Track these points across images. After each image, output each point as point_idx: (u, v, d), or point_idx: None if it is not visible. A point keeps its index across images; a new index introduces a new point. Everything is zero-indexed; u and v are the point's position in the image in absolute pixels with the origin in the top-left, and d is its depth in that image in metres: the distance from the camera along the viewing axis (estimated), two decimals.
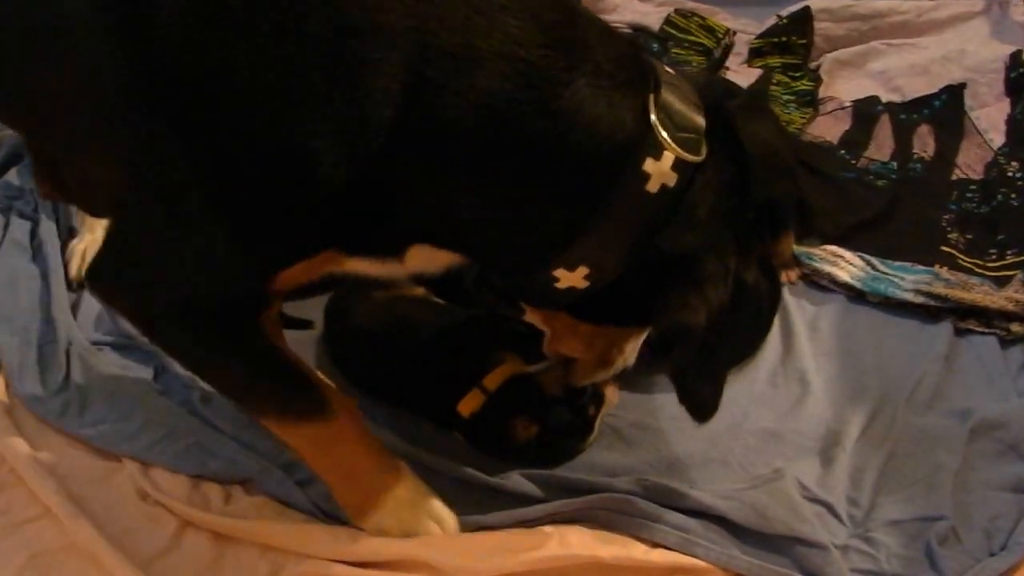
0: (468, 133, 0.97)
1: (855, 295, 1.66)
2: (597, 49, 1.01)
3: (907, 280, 1.64)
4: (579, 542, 1.21)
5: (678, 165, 1.01)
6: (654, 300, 1.07)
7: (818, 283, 1.70)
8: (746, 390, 1.49)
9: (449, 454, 1.37)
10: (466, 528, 1.25)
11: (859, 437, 1.41)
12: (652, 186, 1.00)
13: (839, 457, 1.36)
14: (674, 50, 2.25)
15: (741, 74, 2.21)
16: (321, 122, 0.93)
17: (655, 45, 2.27)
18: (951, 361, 1.54)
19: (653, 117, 1.01)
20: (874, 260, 1.69)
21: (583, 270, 1.05)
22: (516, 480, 1.31)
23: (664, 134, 1.00)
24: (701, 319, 1.04)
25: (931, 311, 1.61)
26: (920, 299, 1.61)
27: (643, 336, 1.26)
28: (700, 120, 1.04)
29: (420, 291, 1.52)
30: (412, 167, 0.99)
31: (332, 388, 1.18)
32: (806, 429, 1.43)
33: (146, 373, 1.48)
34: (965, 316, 1.60)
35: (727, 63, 2.25)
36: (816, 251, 1.72)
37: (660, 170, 1.00)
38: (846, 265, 1.69)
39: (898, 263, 1.69)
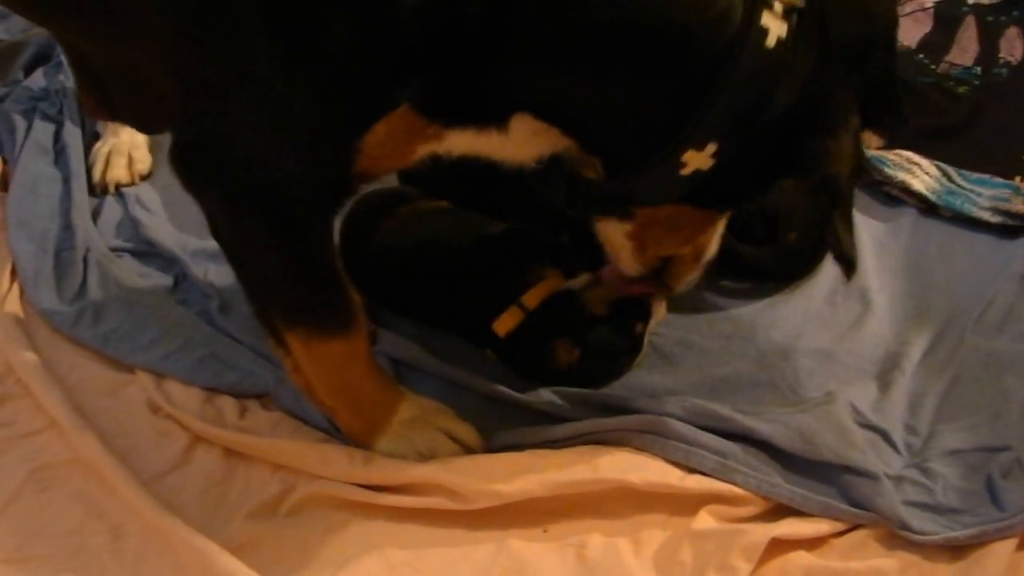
0: None
1: (927, 208, 1.56)
2: None
3: (984, 196, 1.53)
4: (609, 465, 1.16)
5: (787, 11, 0.97)
6: (791, 158, 1.05)
7: (888, 194, 1.59)
8: (801, 308, 1.42)
9: (477, 369, 1.32)
10: (490, 448, 1.21)
11: (921, 360, 1.32)
12: (771, 41, 0.96)
13: (898, 381, 1.28)
14: None
15: None
16: None
17: None
18: None
19: None
20: (951, 171, 1.58)
21: (712, 147, 1.01)
22: (547, 397, 1.27)
23: None
24: (845, 166, 1.04)
25: (1008, 229, 1.50)
26: (997, 218, 1.50)
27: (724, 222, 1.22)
28: None
29: (444, 204, 1.45)
30: (508, 21, 0.94)
31: (358, 303, 1.14)
32: (864, 351, 1.34)
33: (165, 281, 1.46)
34: None
35: None
36: (890, 156, 1.61)
37: (775, 21, 0.96)
38: (921, 174, 1.58)
39: (976, 176, 1.57)
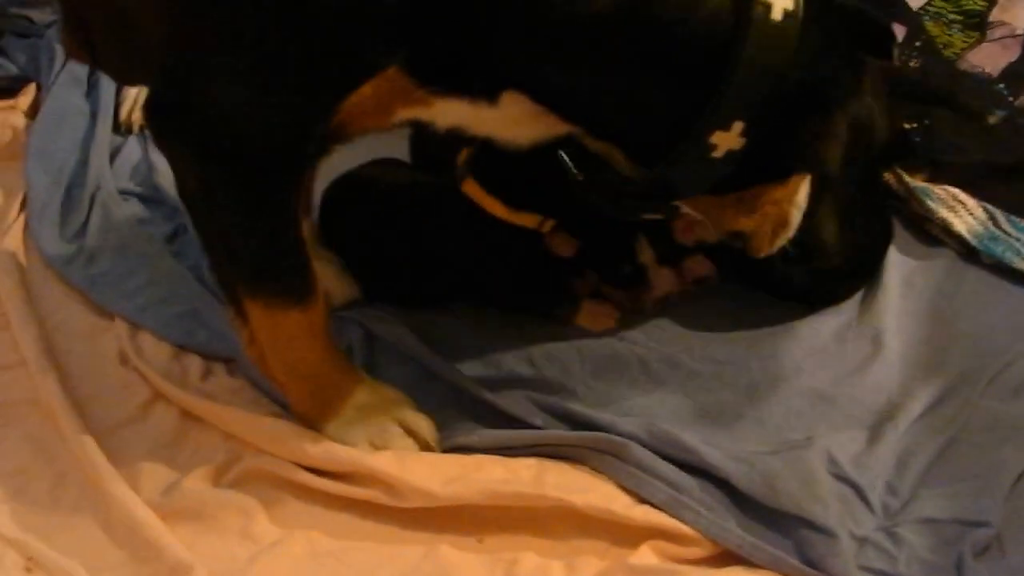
0: None
1: (966, 253, 1.45)
2: None
3: None
4: (555, 482, 1.11)
5: None
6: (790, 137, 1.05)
7: (929, 232, 1.49)
8: (807, 341, 1.33)
9: (455, 360, 1.28)
10: (444, 444, 1.18)
11: (921, 415, 1.23)
12: (776, 14, 0.97)
13: (888, 435, 1.19)
14: None
15: None
16: None
17: None
18: None
19: None
20: (999, 215, 1.47)
21: (739, 126, 1.01)
22: (517, 401, 1.22)
23: None
24: (835, 149, 1.04)
25: None
26: None
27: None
28: None
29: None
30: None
31: (318, 276, 1.12)
32: (863, 396, 1.26)
33: (164, 230, 1.45)
34: None
35: None
36: (936, 190, 1.50)
37: None
38: (965, 214, 1.47)
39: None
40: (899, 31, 1.80)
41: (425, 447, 1.16)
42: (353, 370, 1.20)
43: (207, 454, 1.18)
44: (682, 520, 1.08)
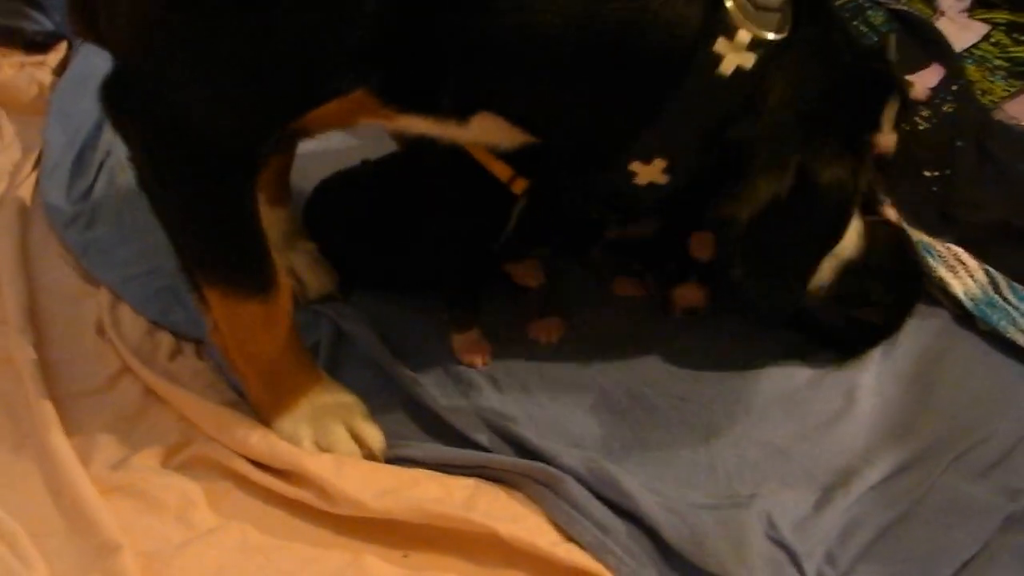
0: None
1: (962, 316, 1.39)
2: None
3: None
4: (486, 508, 1.11)
5: (755, 44, 0.96)
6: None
7: (925, 289, 1.42)
8: (778, 386, 1.30)
9: (419, 367, 1.28)
10: (389, 454, 1.18)
11: (877, 483, 1.18)
12: (726, 68, 0.96)
13: (838, 501, 1.15)
14: None
15: (955, 24, 1.86)
16: None
17: None
18: None
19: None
20: (1000, 281, 1.40)
21: (660, 162, 1.02)
22: (468, 418, 1.22)
23: (737, 13, 0.95)
24: (743, 213, 1.03)
25: None
26: None
27: None
28: None
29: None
30: (465, 26, 0.94)
31: (280, 269, 1.11)
32: (822, 455, 1.22)
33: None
34: None
35: (943, 4, 1.90)
36: (938, 247, 1.44)
37: (736, 48, 0.96)
38: (965, 275, 1.41)
39: None
40: (937, 72, 1.74)
41: (369, 455, 1.17)
42: (313, 368, 1.20)
43: (162, 433, 1.20)
44: (604, 564, 1.06)
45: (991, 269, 1.42)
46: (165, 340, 1.28)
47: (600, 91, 1.00)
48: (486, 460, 1.16)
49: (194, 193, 1.03)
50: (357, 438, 1.17)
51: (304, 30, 0.91)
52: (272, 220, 1.34)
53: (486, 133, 1.06)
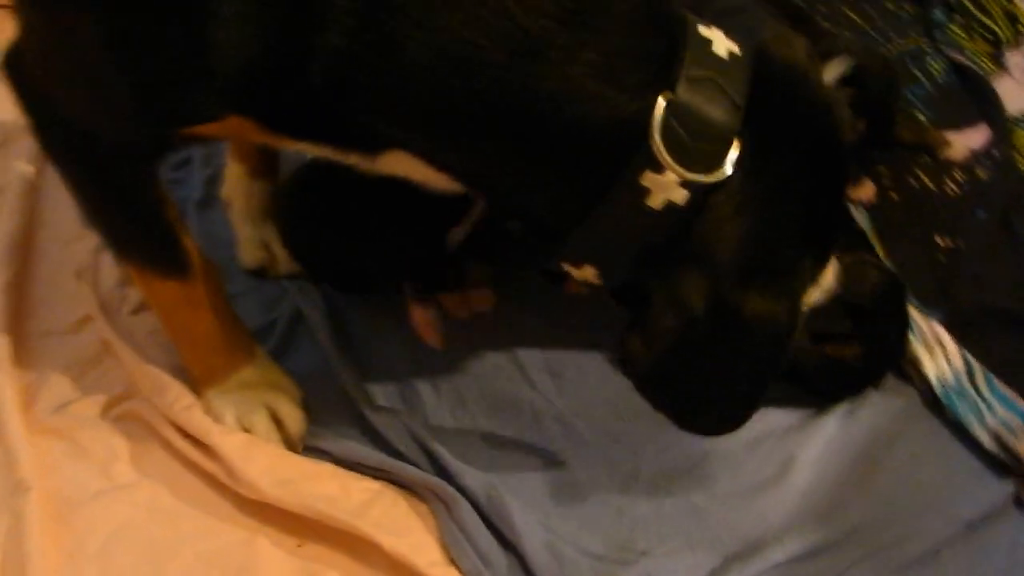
0: (426, 71, 0.84)
1: (930, 398, 1.32)
2: (613, 31, 0.87)
3: (997, 416, 1.28)
4: (377, 517, 1.12)
5: (687, 184, 0.87)
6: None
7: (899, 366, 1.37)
8: (716, 444, 1.25)
9: (364, 361, 1.30)
10: (308, 442, 1.21)
11: (783, 563, 1.14)
12: (654, 202, 0.88)
13: (732, 574, 1.14)
14: (952, 26, 1.82)
15: (1019, 84, 1.75)
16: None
17: (938, 12, 1.85)
18: (980, 535, 1.19)
19: (655, 129, 0.86)
20: (978, 371, 1.32)
21: (591, 270, 0.96)
22: (393, 424, 1.22)
23: (663, 152, 0.86)
24: (638, 349, 0.97)
25: (999, 464, 1.26)
26: (993, 447, 1.25)
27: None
28: (729, 122, 0.88)
29: None
30: (361, 77, 0.86)
31: (197, 254, 1.12)
32: (740, 522, 1.18)
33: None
34: None
35: (1009, 63, 1.79)
36: (919, 321, 1.37)
37: (664, 186, 0.87)
38: (941, 358, 1.34)
39: (1006, 391, 1.31)
40: (984, 134, 1.65)
41: (288, 441, 1.19)
42: (247, 346, 1.22)
43: (108, 384, 1.24)
44: None
45: (971, 357, 1.34)
46: (133, 295, 1.31)
47: (519, 164, 0.91)
48: (392, 467, 1.17)
49: (85, 179, 1.02)
50: (279, 422, 1.19)
51: (160, 62, 0.85)
52: (252, 191, 1.37)
53: (404, 170, 0.98)
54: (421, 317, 1.30)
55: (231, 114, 0.91)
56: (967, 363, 1.33)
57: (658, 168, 0.87)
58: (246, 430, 1.18)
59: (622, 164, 0.87)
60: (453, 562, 1.10)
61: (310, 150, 0.99)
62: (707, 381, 1.00)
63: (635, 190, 0.88)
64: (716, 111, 0.88)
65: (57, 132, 0.99)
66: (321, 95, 0.87)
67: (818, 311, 1.15)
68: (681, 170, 0.87)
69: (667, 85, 0.87)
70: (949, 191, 1.59)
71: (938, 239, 1.50)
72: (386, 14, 0.82)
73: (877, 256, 1.42)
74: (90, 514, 1.12)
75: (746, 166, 0.90)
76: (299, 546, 1.13)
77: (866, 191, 1.55)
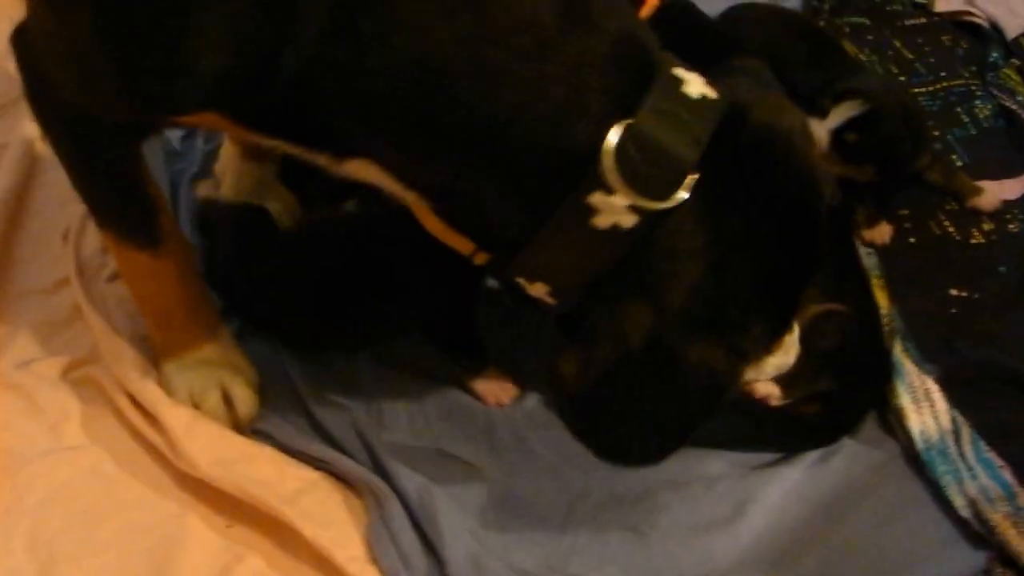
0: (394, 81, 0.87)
1: (910, 454, 1.27)
2: (584, 67, 0.89)
3: (978, 481, 1.21)
4: (307, 506, 1.13)
5: (635, 208, 0.90)
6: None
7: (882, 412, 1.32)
8: (674, 473, 1.22)
9: (323, 360, 1.31)
10: (255, 425, 1.22)
11: None
12: (601, 222, 0.90)
13: None
14: (1008, 70, 1.76)
15: None
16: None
17: (995, 53, 1.79)
18: None
19: (607, 151, 0.88)
20: (965, 433, 1.26)
21: (542, 287, 0.98)
22: (339, 417, 1.23)
23: (613, 173, 0.88)
24: (570, 373, 0.97)
25: (968, 532, 1.19)
26: (967, 513, 1.19)
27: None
28: (686, 154, 0.90)
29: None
30: (329, 85, 0.89)
31: (172, 230, 1.15)
32: (681, 559, 1.15)
33: (173, 134, 1.54)
34: (1007, 564, 1.17)
35: None
36: (909, 369, 1.32)
37: (611, 207, 0.90)
38: (928, 414, 1.28)
39: (992, 456, 1.25)
40: (1020, 185, 1.59)
41: (236, 423, 1.21)
42: (211, 324, 1.24)
43: (74, 347, 1.28)
44: None
45: (960, 418, 1.28)
46: (111, 262, 1.34)
47: (479, 178, 0.93)
48: (331, 458, 1.18)
49: (70, 150, 1.07)
50: (231, 402, 1.21)
51: (142, 58, 0.88)
52: (243, 171, 1.39)
53: (369, 177, 0.99)
54: (484, 387, 1.30)
55: (207, 110, 0.94)
56: (955, 423, 1.28)
57: (608, 189, 0.89)
58: (197, 406, 1.21)
59: (576, 184, 0.90)
60: (375, 560, 1.09)
61: (282, 148, 1.02)
62: (632, 416, 1.01)
63: (583, 209, 0.90)
64: (674, 141, 0.90)
65: (49, 105, 1.04)
66: (291, 98, 0.90)
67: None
68: (631, 193, 0.89)
69: (629, 114, 0.89)
70: (974, 241, 1.53)
71: (953, 290, 1.46)
72: (355, 30, 0.85)
73: (855, 302, 1.37)
74: (34, 471, 1.16)
75: (699, 204, 0.91)
76: (228, 527, 1.14)
77: (880, 233, 1.51)
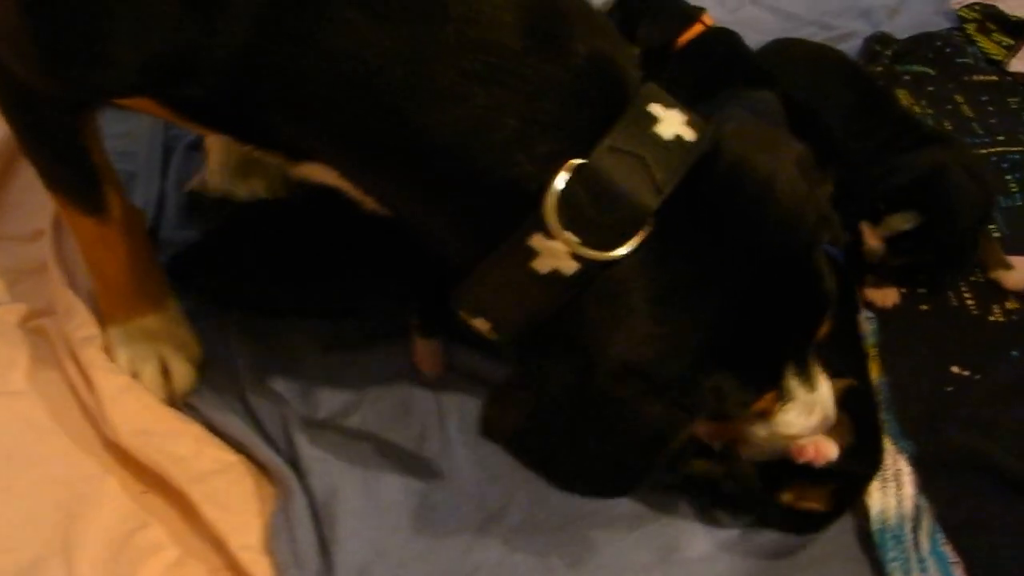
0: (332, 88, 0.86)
1: (864, 533, 1.21)
2: (542, 96, 0.85)
3: (923, 575, 1.15)
4: (216, 488, 1.15)
5: (578, 256, 0.86)
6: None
7: None
8: (595, 509, 1.19)
9: (271, 348, 1.32)
10: (188, 399, 1.24)
11: None
12: (541, 266, 0.87)
13: None
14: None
15: None
16: None
17: None
18: None
19: (550, 193, 0.84)
20: (925, 525, 1.18)
21: (484, 323, 0.94)
22: (270, 405, 1.24)
23: (555, 216, 0.84)
24: (495, 415, 0.96)
25: None
26: None
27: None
28: (643, 203, 0.85)
29: None
30: (258, 81, 0.89)
31: (120, 198, 1.17)
32: None
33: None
34: None
35: None
36: (885, 447, 1.25)
37: (552, 252, 0.86)
38: (892, 496, 1.22)
39: (947, 548, 1.17)
40: None
41: (170, 396, 1.23)
42: (159, 296, 1.27)
43: (36, 297, 1.33)
44: None
45: (925, 504, 1.21)
46: None
47: (427, 200, 0.91)
48: (251, 443, 1.20)
49: (16, 115, 1.09)
50: (168, 375, 1.23)
51: (65, 42, 0.90)
52: (231, 146, 1.41)
53: (327, 180, 0.99)
54: (423, 347, 1.30)
55: (138, 95, 0.96)
56: (918, 510, 1.21)
57: (548, 234, 0.85)
58: (135, 375, 1.24)
59: (516, 221, 0.86)
60: (270, 552, 1.10)
61: (234, 143, 1.03)
62: (570, 460, 0.97)
63: (522, 250, 0.86)
64: (631, 187, 0.85)
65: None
66: (226, 92, 0.90)
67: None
68: (573, 240, 0.85)
69: (584, 152, 0.85)
70: (992, 318, 1.45)
71: (955, 367, 1.38)
72: (283, 29, 0.84)
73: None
74: None
75: (649, 256, 0.86)
76: (143, 493, 1.17)
77: (884, 296, 1.44)
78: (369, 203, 0.99)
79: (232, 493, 1.15)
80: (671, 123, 0.88)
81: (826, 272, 0.96)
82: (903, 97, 1.77)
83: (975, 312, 1.45)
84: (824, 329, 1.02)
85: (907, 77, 1.83)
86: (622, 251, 0.85)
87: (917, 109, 1.76)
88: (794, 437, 1.09)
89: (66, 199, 1.17)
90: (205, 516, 1.11)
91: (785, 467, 1.16)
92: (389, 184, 0.93)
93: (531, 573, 1.14)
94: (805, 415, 1.06)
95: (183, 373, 1.24)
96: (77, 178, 1.14)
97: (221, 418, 1.22)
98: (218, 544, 1.11)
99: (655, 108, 0.88)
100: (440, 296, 1.22)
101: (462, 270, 0.92)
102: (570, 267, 0.86)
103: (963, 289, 1.48)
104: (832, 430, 1.13)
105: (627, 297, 0.87)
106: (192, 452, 1.17)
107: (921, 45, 1.89)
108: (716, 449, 1.16)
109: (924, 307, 1.45)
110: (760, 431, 1.07)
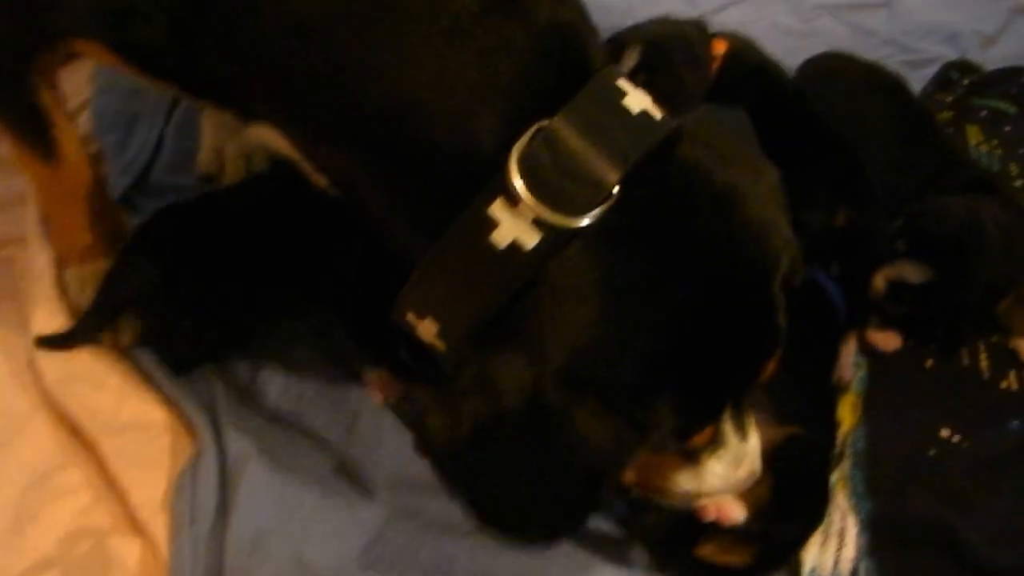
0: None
1: None
2: (504, 60, 0.83)
3: None
4: (130, 442, 1.17)
5: (540, 223, 0.82)
6: None
7: None
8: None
9: None
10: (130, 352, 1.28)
11: None
12: (500, 239, 0.83)
13: None
14: None
15: None
16: None
17: None
18: None
19: (516, 152, 0.82)
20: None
21: (431, 325, 0.90)
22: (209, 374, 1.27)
23: (518, 179, 0.81)
24: (438, 427, 0.90)
25: None
26: None
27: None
28: (605, 170, 0.82)
29: None
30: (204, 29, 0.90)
31: (74, 148, 1.20)
32: None
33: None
34: None
35: None
36: (839, 503, 1.20)
37: (514, 221, 0.82)
38: (829, 553, 1.17)
39: None
40: None
41: (112, 342, 1.26)
42: (113, 244, 1.29)
43: (15, 228, 1.37)
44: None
45: (868, 569, 1.15)
46: None
47: (368, 173, 0.89)
48: (176, 397, 1.22)
49: None
50: (116, 326, 1.26)
51: None
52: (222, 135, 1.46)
53: (284, 150, 0.98)
54: (375, 379, 1.29)
55: (82, 37, 0.98)
56: (857, 552, 1.16)
57: (512, 198, 0.81)
58: None
59: (476, 192, 0.83)
60: (169, 508, 1.13)
61: (184, 97, 1.07)
62: (509, 484, 0.92)
63: (482, 220, 0.82)
64: (594, 152, 0.82)
65: None
66: (173, 42, 0.91)
67: None
68: (538, 204, 0.81)
69: (547, 115, 0.83)
70: (1004, 385, 1.35)
71: (945, 430, 1.30)
72: None
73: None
74: None
75: (607, 236, 0.82)
76: (70, 436, 1.21)
77: (886, 340, 1.35)
78: (319, 180, 0.98)
79: (145, 448, 1.18)
80: (638, 99, 0.85)
81: (781, 306, 0.91)
82: (973, 133, 1.67)
83: (986, 375, 1.36)
84: (770, 369, 0.97)
85: (984, 112, 1.71)
86: (584, 221, 0.81)
87: (985, 148, 1.65)
88: (715, 491, 1.03)
89: (17, 144, 1.20)
90: (111, 469, 1.15)
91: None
92: (336, 152, 0.91)
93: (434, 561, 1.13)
94: (733, 466, 1.00)
95: (131, 325, 1.26)
96: (26, 125, 1.17)
97: (156, 371, 1.25)
98: (122, 497, 1.15)
99: (622, 83, 0.86)
100: (376, 324, 1.24)
101: (411, 263, 0.88)
102: (531, 239, 0.81)
103: (980, 349, 1.38)
104: (749, 490, 1.06)
105: (579, 284, 0.82)
106: (112, 404, 1.21)
107: (1007, 79, 1.77)
108: (632, 495, 1.10)
109: (929, 363, 1.37)
110: (683, 480, 1.01)
